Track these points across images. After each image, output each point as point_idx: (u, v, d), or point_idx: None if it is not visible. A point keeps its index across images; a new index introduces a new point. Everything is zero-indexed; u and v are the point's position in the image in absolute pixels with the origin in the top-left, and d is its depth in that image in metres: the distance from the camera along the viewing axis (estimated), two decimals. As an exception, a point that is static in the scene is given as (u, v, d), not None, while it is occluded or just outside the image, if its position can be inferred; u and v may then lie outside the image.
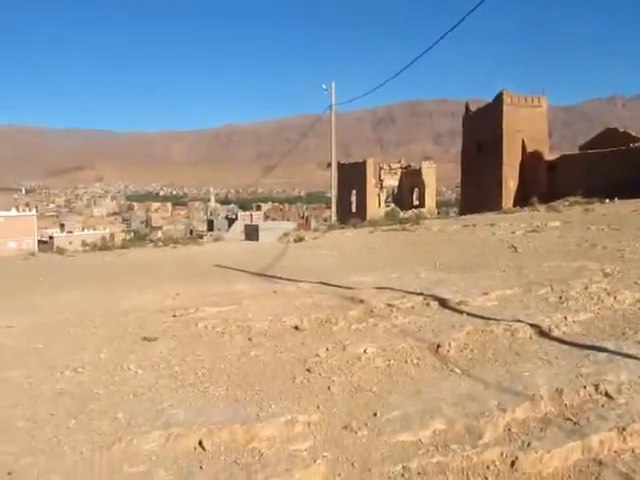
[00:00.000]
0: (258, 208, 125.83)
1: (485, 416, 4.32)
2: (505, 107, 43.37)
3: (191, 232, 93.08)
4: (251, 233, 31.50)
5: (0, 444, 4.05)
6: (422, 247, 14.76)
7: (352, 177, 41.10)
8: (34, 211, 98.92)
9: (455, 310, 7.36)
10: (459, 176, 46.76)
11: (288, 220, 75.67)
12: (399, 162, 44.38)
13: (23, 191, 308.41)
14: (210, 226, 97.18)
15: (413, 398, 4.75)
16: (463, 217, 25.69)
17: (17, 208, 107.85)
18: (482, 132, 44.06)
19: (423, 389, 4.94)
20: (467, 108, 47.19)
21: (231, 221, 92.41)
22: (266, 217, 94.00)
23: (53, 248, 55.03)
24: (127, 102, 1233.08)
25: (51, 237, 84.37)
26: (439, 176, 46.73)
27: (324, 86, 35.19)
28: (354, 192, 42.35)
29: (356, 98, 36.64)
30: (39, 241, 79.67)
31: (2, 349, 6.22)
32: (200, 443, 4.04)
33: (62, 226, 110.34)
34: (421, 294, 8.21)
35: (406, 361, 5.62)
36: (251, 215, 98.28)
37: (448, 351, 5.83)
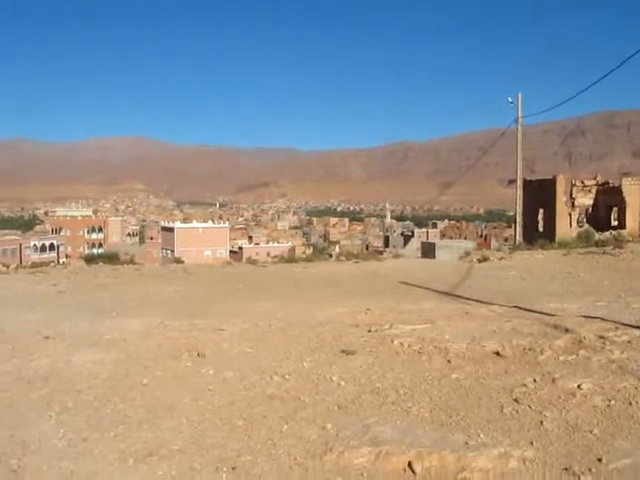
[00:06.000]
0: (434, 225, 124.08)
1: None
2: None
3: (367, 247, 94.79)
4: (428, 251, 31.13)
5: (225, 440, 4.40)
6: (630, 274, 13.28)
7: (539, 195, 38.51)
8: (227, 224, 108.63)
9: (684, 349, 6.43)
10: (666, 194, 41.36)
11: (465, 239, 73.59)
12: (594, 178, 40.54)
13: (218, 205, 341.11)
14: (386, 242, 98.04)
15: (644, 446, 4.19)
16: (675, 241, 22.64)
17: (213, 220, 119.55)
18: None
19: (655, 437, 4.35)
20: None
21: (407, 238, 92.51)
22: (442, 235, 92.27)
23: (243, 258, 59.87)
24: (308, 122, 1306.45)
25: (240, 248, 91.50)
26: (642, 194, 41.77)
27: (509, 99, 33.63)
28: (541, 211, 39.73)
29: (544, 111, 34.60)
30: (230, 251, 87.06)
31: (220, 351, 6.82)
32: (410, 465, 3.97)
33: (250, 238, 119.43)
34: (639, 327, 7.34)
35: (630, 403, 5.01)
36: (427, 232, 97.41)
37: (683, 396, 5.08)
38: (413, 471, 3.94)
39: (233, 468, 4.01)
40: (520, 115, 33.09)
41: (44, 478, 3.93)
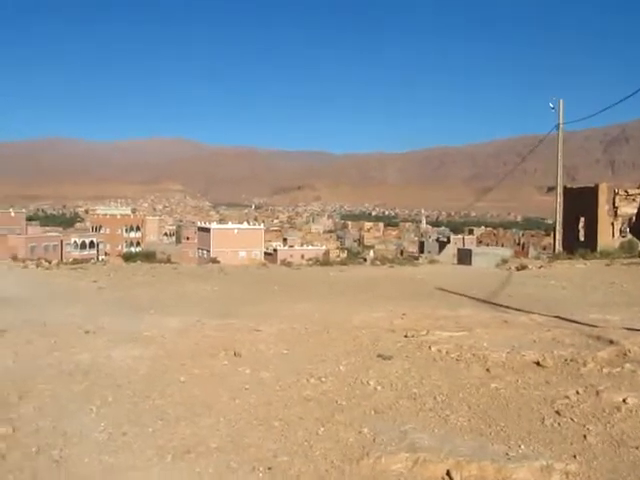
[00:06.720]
0: (470, 232, 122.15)
1: None
2: None
3: (401, 253, 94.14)
4: (464, 257, 30.70)
5: (262, 440, 4.41)
6: (677, 286, 12.84)
7: (580, 203, 37.54)
8: (262, 225, 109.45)
9: None
10: None
11: (502, 246, 72.37)
12: (639, 187, 39.45)
13: (253, 207, 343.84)
14: (421, 248, 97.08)
15: (694, 466, 4.03)
16: None
17: (248, 222, 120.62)
18: None
19: None
20: None
21: (442, 244, 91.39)
22: (479, 242, 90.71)
23: (277, 260, 60.21)
24: (340, 125, 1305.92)
25: (275, 250, 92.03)
26: (689, 204, 40.26)
27: (551, 104, 33.04)
28: (581, 220, 38.75)
29: (587, 117, 33.67)
30: (265, 253, 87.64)
31: (257, 352, 6.86)
32: (448, 473, 3.91)
33: (285, 240, 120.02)
34: (687, 341, 7.06)
35: (679, 420, 4.82)
36: (463, 239, 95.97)
37: None
38: (452, 480, 3.87)
39: (269, 468, 4.01)
40: (561, 121, 32.44)
41: (85, 470, 4.00)
